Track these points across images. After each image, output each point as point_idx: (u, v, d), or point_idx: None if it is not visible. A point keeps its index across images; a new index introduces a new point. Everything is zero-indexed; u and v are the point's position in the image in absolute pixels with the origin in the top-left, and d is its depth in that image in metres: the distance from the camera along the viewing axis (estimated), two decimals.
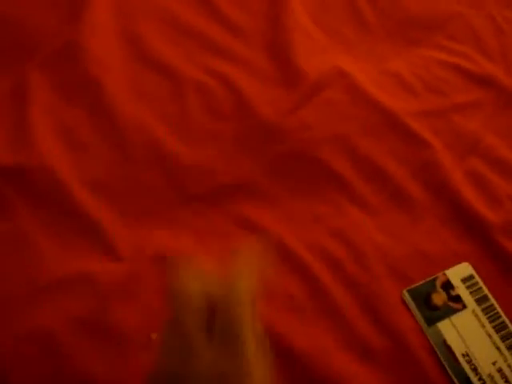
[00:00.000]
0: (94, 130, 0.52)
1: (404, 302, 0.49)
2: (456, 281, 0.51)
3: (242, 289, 0.30)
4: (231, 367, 0.27)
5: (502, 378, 0.47)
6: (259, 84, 0.57)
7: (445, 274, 0.51)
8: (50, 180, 0.49)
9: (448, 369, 0.46)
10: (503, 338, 0.49)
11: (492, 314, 0.50)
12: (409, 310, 0.48)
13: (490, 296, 0.50)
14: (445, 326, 0.48)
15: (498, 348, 0.48)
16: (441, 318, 0.49)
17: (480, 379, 0.46)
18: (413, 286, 0.50)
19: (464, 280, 0.51)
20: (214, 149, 0.53)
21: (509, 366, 0.47)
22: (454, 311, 0.49)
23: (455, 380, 0.46)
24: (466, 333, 0.48)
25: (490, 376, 0.47)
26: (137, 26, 0.59)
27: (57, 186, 0.49)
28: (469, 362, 0.47)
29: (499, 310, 0.50)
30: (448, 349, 0.47)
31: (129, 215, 0.48)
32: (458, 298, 0.50)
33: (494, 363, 0.47)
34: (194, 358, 0.28)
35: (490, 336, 0.49)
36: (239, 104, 0.55)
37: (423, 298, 0.49)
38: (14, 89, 0.54)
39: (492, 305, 0.50)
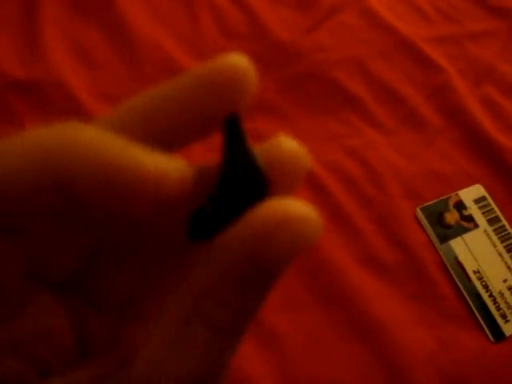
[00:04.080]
0: (106, 46, 0.52)
1: (417, 220, 0.49)
2: (468, 201, 0.51)
3: None
4: None
5: None
6: (274, 7, 0.56)
7: (457, 195, 0.51)
8: (62, 94, 0.49)
9: (459, 284, 0.47)
10: None
11: (503, 234, 0.50)
12: (422, 227, 0.49)
13: (501, 217, 0.50)
14: (457, 244, 0.48)
15: (508, 267, 0.48)
16: (453, 236, 0.49)
17: (491, 296, 0.47)
18: (426, 204, 0.50)
19: (476, 201, 0.51)
20: None
21: None
22: (466, 230, 0.49)
23: (466, 296, 0.46)
24: (477, 251, 0.49)
25: (501, 293, 0.47)
26: None
27: (68, 100, 0.49)
28: (480, 278, 0.47)
29: (510, 230, 0.50)
30: (460, 265, 0.47)
31: None
32: (470, 218, 0.50)
33: (504, 281, 0.48)
34: None
35: (500, 255, 0.49)
36: (253, 25, 0.55)
37: (436, 216, 0.49)
38: (25, 4, 0.53)
39: (504, 226, 0.50)
